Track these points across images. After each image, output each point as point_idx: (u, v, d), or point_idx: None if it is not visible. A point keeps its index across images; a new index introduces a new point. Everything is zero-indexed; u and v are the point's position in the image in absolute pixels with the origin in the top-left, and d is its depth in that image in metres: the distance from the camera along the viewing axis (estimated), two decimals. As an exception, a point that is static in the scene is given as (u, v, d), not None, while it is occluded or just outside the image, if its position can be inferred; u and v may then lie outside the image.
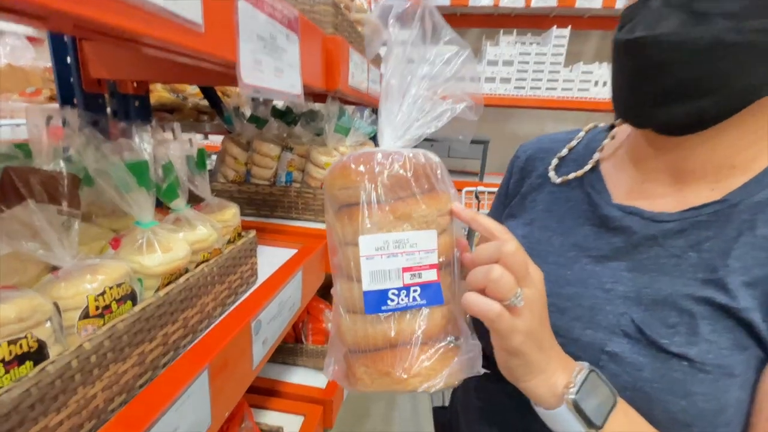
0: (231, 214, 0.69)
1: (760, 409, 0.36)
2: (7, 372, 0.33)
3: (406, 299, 0.34)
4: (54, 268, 0.43)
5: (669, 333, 0.38)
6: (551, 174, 0.53)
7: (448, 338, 0.35)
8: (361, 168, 0.35)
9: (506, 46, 3.48)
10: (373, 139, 1.50)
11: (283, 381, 1.28)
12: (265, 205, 1.18)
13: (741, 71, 0.34)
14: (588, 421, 0.34)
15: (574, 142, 0.54)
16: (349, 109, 1.46)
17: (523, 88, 3.50)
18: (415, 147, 0.39)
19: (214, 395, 0.52)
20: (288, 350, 1.36)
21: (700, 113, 0.36)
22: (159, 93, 1.36)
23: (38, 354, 0.35)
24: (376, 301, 0.33)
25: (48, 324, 0.36)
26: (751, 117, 0.37)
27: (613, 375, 0.39)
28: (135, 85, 1.06)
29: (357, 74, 1.10)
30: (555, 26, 3.36)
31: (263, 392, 1.23)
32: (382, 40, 0.37)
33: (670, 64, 0.35)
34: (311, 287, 0.96)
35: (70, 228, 0.42)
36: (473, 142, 3.69)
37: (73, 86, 0.91)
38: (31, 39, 1.77)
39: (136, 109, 1.08)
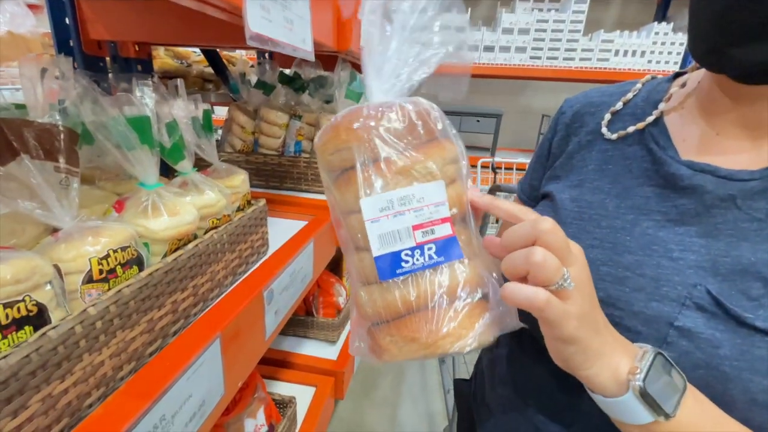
0: (240, 180, 0.66)
1: None
2: (4, 337, 0.31)
3: (421, 259, 0.30)
4: (54, 230, 0.40)
5: (752, 306, 0.34)
6: (604, 130, 0.47)
7: (475, 294, 0.32)
8: (353, 125, 0.31)
9: (522, 13, 3.31)
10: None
11: (294, 353, 1.28)
12: (274, 176, 1.15)
13: None
14: (658, 409, 0.31)
15: (630, 95, 0.47)
16: (360, 76, 1.40)
17: (539, 58, 3.35)
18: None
19: (226, 364, 0.50)
20: (299, 322, 1.35)
21: None
22: (162, 59, 1.31)
23: (38, 318, 0.33)
24: (390, 265, 0.30)
25: (48, 287, 0.34)
26: None
27: (684, 352, 0.35)
28: (137, 48, 1.01)
29: (369, 36, 1.04)
30: (574, -9, 3.18)
31: (275, 364, 1.24)
32: None
33: None
34: (322, 259, 0.94)
35: (69, 187, 0.39)
36: (485, 115, 3.58)
37: (72, 49, 0.87)
38: (30, 6, 1.71)
39: (139, 73, 1.03)
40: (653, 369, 0.32)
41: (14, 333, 0.31)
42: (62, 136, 0.38)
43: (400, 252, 0.30)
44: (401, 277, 0.30)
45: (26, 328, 0.32)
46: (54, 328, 0.33)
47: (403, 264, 0.30)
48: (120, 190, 0.54)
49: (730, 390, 0.34)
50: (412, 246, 0.30)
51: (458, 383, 0.66)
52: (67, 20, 0.87)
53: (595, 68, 3.37)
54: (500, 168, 1.55)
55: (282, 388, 1.15)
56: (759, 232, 0.35)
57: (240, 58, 1.39)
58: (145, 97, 0.46)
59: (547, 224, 0.29)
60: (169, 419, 0.40)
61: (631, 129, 0.44)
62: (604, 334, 0.33)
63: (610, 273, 0.41)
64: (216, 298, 0.57)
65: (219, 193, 0.57)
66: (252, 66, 1.49)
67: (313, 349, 1.31)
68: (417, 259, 0.30)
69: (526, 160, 1.67)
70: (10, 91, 1.05)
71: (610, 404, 0.33)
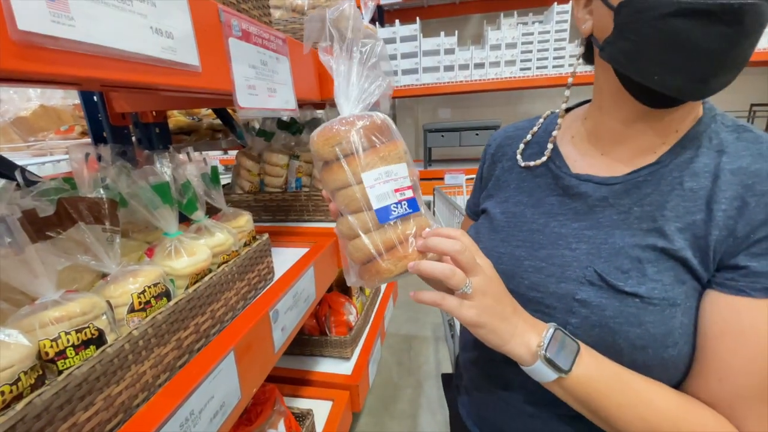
0: (245, 220, 0.79)
1: (703, 331, 0.43)
2: (77, 354, 0.43)
3: (401, 209, 0.44)
4: (104, 275, 0.53)
5: (623, 277, 0.45)
6: (518, 157, 0.61)
7: (427, 230, 0.46)
8: (343, 128, 0.44)
9: (508, 28, 3.46)
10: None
11: (311, 371, 1.38)
12: (280, 210, 1.29)
13: (752, 46, 0.38)
14: (559, 369, 0.42)
15: (535, 128, 0.62)
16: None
17: (529, 69, 3.48)
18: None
19: (241, 373, 0.62)
20: (314, 342, 1.46)
21: (723, 84, 0.39)
22: (176, 118, 1.49)
23: (99, 340, 0.45)
24: (385, 214, 0.44)
25: (104, 317, 0.47)
26: None
27: (584, 317, 0.46)
28: (154, 114, 1.18)
29: (351, 81, 1.18)
30: (555, 2, 3.32)
31: (295, 382, 1.34)
32: (321, 37, 0.47)
33: (753, 33, 0.36)
34: (325, 280, 1.05)
35: (113, 242, 0.52)
36: (483, 128, 3.69)
37: (101, 121, 1.04)
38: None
39: (157, 135, 1.20)
40: (552, 340, 0.44)
41: (83, 351, 0.43)
42: (106, 205, 0.52)
43: (389, 205, 0.44)
44: (392, 221, 0.44)
45: (91, 347, 0.44)
46: (110, 346, 0.45)
47: (392, 213, 0.44)
48: (149, 239, 0.68)
49: (617, 340, 0.45)
50: (395, 202, 0.44)
51: (444, 378, 0.76)
52: (95, 99, 1.04)
53: (586, 72, 3.45)
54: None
55: (301, 403, 1.25)
56: (625, 221, 0.47)
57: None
58: (163, 167, 0.60)
59: (460, 246, 0.42)
60: (197, 414, 0.51)
61: (539, 161, 0.57)
62: (513, 320, 0.45)
63: (532, 265, 0.53)
64: (230, 320, 0.69)
65: (227, 233, 0.70)
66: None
67: (328, 366, 1.41)
68: (398, 210, 0.44)
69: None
70: (52, 164, 1.22)
71: (529, 371, 0.45)
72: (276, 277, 0.87)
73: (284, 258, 0.99)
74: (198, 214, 0.67)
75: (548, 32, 3.40)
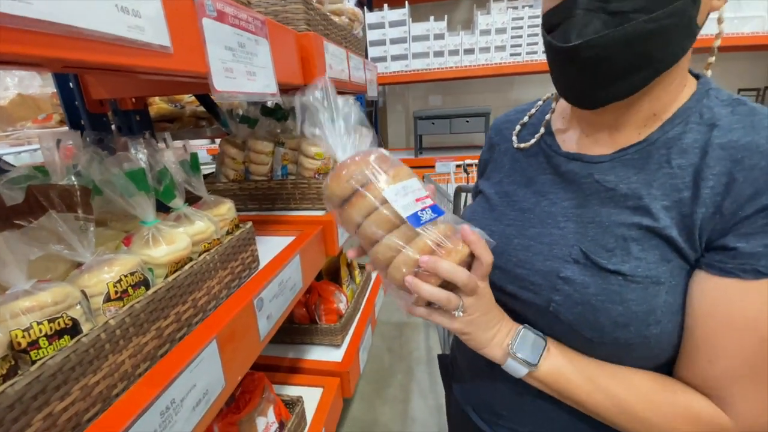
0: (226, 208, 0.77)
1: (692, 312, 0.43)
2: (50, 344, 0.42)
3: (427, 214, 0.47)
4: (78, 265, 0.52)
5: (607, 255, 0.45)
6: (514, 139, 0.62)
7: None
8: (352, 164, 0.48)
9: (498, 13, 3.42)
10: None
11: (302, 359, 1.39)
12: (266, 199, 1.27)
13: (661, 47, 0.41)
14: (528, 364, 0.47)
15: (533, 110, 0.63)
16: (336, 98, 1.52)
17: (519, 54, 3.45)
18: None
19: (225, 361, 0.62)
20: (304, 331, 1.46)
21: (634, 86, 0.43)
22: (158, 105, 1.45)
23: (73, 330, 0.45)
24: (415, 220, 0.46)
25: (78, 307, 0.46)
26: (667, 76, 0.45)
27: (567, 294, 0.47)
28: (134, 101, 1.15)
29: (335, 65, 1.16)
30: (545, -13, 3.28)
31: (285, 370, 1.35)
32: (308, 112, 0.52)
33: (606, 58, 0.41)
34: (312, 268, 1.05)
35: (86, 231, 0.51)
36: (473, 115, 3.68)
37: (78, 109, 1.01)
38: (38, 67, 1.88)
39: (138, 122, 1.17)
40: (520, 339, 0.48)
41: (57, 341, 0.43)
42: (78, 193, 0.51)
43: (416, 212, 0.46)
44: (423, 225, 0.46)
45: (65, 336, 0.43)
46: (86, 335, 0.44)
47: (421, 218, 0.46)
48: (127, 228, 0.66)
49: (598, 318, 0.45)
50: (420, 209, 0.47)
51: (440, 357, 0.77)
52: (71, 85, 1.01)
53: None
54: (471, 168, 1.65)
55: (291, 391, 1.25)
56: (611, 199, 0.48)
57: (227, 95, 1.53)
58: (139, 153, 0.58)
59: (466, 278, 0.44)
60: (178, 402, 0.51)
61: (531, 141, 0.58)
62: (494, 329, 0.49)
63: (520, 243, 0.54)
64: (213, 309, 0.68)
65: (208, 221, 0.69)
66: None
67: (319, 354, 1.42)
68: (426, 215, 0.47)
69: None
70: (29, 153, 1.19)
71: (504, 368, 0.49)
72: (261, 266, 0.86)
73: (270, 246, 0.98)
74: (176, 201, 0.66)
75: (538, 17, 3.36)
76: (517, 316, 0.52)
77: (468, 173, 1.62)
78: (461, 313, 0.46)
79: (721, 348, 0.41)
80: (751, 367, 0.40)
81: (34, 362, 0.41)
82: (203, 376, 0.57)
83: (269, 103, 1.36)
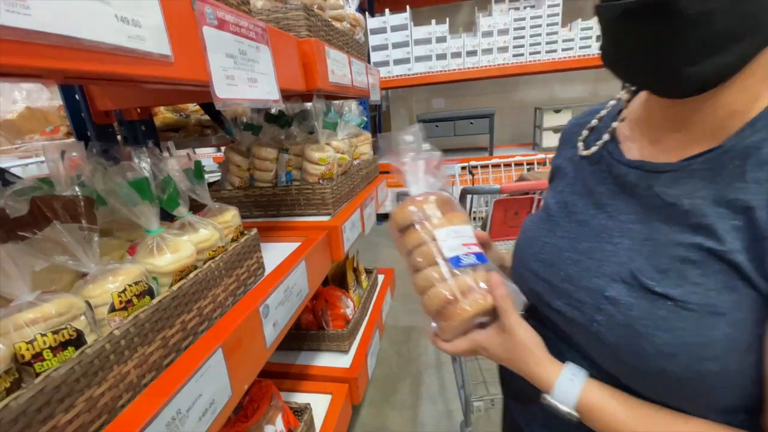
0: (231, 215, 0.77)
1: None
2: (54, 356, 0.42)
3: (469, 259, 0.52)
4: (83, 275, 0.52)
5: (658, 277, 0.41)
6: (579, 145, 0.57)
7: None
8: (419, 201, 0.57)
9: (500, 14, 3.42)
10: (365, 129, 1.56)
11: (310, 365, 1.38)
12: (271, 205, 1.27)
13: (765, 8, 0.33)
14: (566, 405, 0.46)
15: (603, 112, 0.56)
16: (338, 103, 1.53)
17: (522, 55, 3.44)
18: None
19: (231, 369, 0.61)
20: (312, 337, 1.46)
21: (734, 61, 0.35)
22: (162, 114, 1.46)
23: (77, 341, 0.44)
24: (456, 262, 0.51)
25: (83, 317, 0.45)
26: (757, 60, 0.36)
27: (610, 315, 0.43)
28: (139, 111, 1.16)
29: (337, 70, 1.16)
30: (547, -13, 3.27)
31: (292, 377, 1.34)
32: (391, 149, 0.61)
33: (707, 14, 0.32)
34: (318, 273, 1.04)
35: (91, 241, 0.51)
36: (477, 116, 3.67)
37: (85, 120, 1.02)
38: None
39: (143, 132, 1.18)
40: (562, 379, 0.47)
41: (61, 352, 0.42)
42: (82, 203, 0.51)
43: (459, 255, 0.52)
44: (463, 268, 0.51)
45: (70, 348, 0.43)
46: (90, 346, 0.44)
47: (462, 261, 0.51)
48: (132, 237, 0.66)
49: (642, 343, 0.41)
50: (464, 253, 0.52)
51: (501, 367, 0.72)
52: (76, 96, 1.02)
53: (579, 56, 3.43)
54: (476, 170, 1.64)
55: (299, 398, 1.24)
56: (671, 215, 0.42)
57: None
58: (142, 162, 0.58)
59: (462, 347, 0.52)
60: (184, 413, 0.50)
61: (593, 149, 0.54)
62: (524, 369, 0.49)
63: (571, 257, 0.50)
64: (219, 317, 0.68)
65: (212, 229, 0.69)
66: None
67: (326, 360, 1.41)
68: (467, 260, 0.52)
69: (522, 156, 1.75)
70: (36, 165, 1.21)
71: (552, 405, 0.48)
72: (267, 273, 0.86)
73: (276, 253, 0.98)
74: (180, 210, 0.65)
75: (540, 17, 3.36)
76: (563, 334, 0.50)
77: (473, 175, 1.61)
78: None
79: None
80: None
81: (38, 375, 0.41)
82: (209, 386, 0.56)
83: (273, 110, 1.36)
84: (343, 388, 1.29)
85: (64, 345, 0.43)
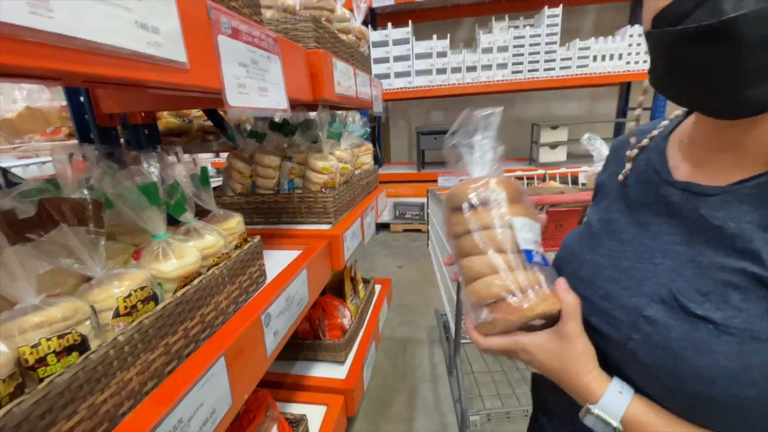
0: (235, 222, 0.77)
1: None
2: (58, 361, 0.41)
3: (539, 257, 0.50)
4: (88, 279, 0.52)
5: (700, 300, 0.41)
6: (627, 165, 0.56)
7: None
8: (492, 180, 0.52)
9: (499, 32, 3.49)
10: (366, 140, 1.57)
11: (305, 375, 1.36)
12: (272, 212, 1.27)
13: None
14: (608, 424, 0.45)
15: (655, 132, 0.55)
16: (342, 113, 1.54)
17: (521, 72, 3.51)
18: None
19: (232, 378, 0.60)
20: (308, 346, 1.44)
21: None
22: (166, 119, 1.47)
23: (82, 346, 0.44)
24: (529, 256, 0.49)
25: (87, 322, 0.45)
26: None
27: (647, 335, 0.44)
28: (143, 115, 1.16)
29: (343, 81, 1.17)
30: (546, 6, 3.35)
31: (288, 387, 1.32)
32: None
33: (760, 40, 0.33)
34: (318, 282, 1.04)
35: (97, 244, 0.50)
36: (476, 131, 3.71)
37: (88, 123, 1.02)
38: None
39: (147, 136, 1.18)
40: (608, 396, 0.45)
41: (66, 357, 0.42)
42: (90, 206, 0.50)
43: (532, 250, 0.49)
44: (531, 264, 0.49)
45: (74, 353, 0.43)
46: (94, 352, 0.43)
47: (534, 257, 0.49)
48: (137, 241, 0.66)
49: (679, 365, 0.41)
50: (535, 250, 0.50)
51: (535, 382, 0.71)
52: (81, 99, 1.02)
53: (576, 75, 3.50)
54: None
55: (294, 409, 1.22)
56: (716, 238, 0.42)
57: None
58: (151, 167, 0.58)
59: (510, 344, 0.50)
60: (186, 422, 0.50)
61: (641, 167, 0.53)
62: (572, 379, 0.48)
63: (611, 275, 0.50)
64: (221, 324, 0.67)
65: (217, 235, 0.68)
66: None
67: (322, 370, 1.39)
68: (537, 258, 0.50)
69: (522, 171, 1.77)
70: (37, 165, 1.20)
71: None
72: (268, 280, 0.85)
73: (277, 260, 0.97)
74: (186, 215, 0.65)
75: (539, 35, 3.43)
76: (598, 351, 0.49)
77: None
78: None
79: None
80: None
81: (41, 380, 0.40)
82: (211, 395, 0.55)
83: (277, 118, 1.37)
84: (339, 399, 1.27)
85: (68, 350, 0.42)
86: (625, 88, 3.85)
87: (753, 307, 0.38)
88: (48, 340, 0.40)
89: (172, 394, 0.49)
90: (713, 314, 0.39)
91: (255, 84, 0.69)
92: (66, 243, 0.48)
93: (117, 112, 1.04)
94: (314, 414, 1.19)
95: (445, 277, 1.60)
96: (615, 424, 0.43)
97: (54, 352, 0.41)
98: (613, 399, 0.45)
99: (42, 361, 0.40)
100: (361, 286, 1.84)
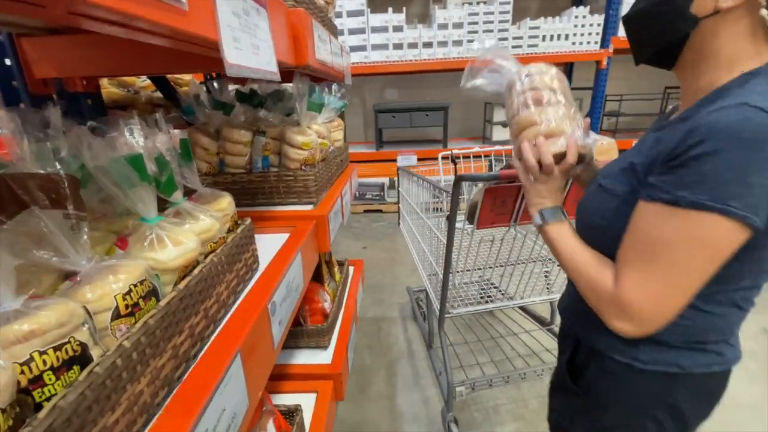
0: (226, 203, 0.68)
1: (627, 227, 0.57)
2: (58, 378, 0.32)
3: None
4: (67, 275, 0.41)
5: (605, 179, 0.64)
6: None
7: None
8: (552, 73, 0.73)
9: (454, 8, 3.46)
10: (341, 115, 1.48)
11: (290, 364, 1.29)
12: (246, 193, 1.16)
13: (654, 26, 0.58)
14: (543, 218, 0.68)
15: None
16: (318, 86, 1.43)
17: (474, 49, 3.53)
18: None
19: (248, 376, 0.53)
20: (290, 334, 1.37)
21: (648, 52, 0.62)
22: (107, 90, 1.26)
23: (82, 357, 0.35)
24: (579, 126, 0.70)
25: (85, 327, 0.36)
26: (696, 53, 0.55)
27: (582, 201, 0.68)
28: (84, 82, 0.98)
29: (321, 47, 1.07)
30: (499, -17, 3.37)
31: (274, 378, 1.25)
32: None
33: (627, 28, 0.64)
34: (309, 267, 0.97)
35: (79, 231, 0.40)
36: (433, 108, 3.71)
37: (18, 90, 0.83)
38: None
39: (89, 107, 1.00)
40: (551, 209, 0.69)
41: (65, 373, 0.33)
42: (66, 184, 0.40)
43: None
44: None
45: (74, 367, 0.34)
46: (98, 364, 0.35)
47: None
48: (114, 228, 0.55)
49: (584, 203, 0.67)
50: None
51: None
52: (8, 61, 0.83)
53: (527, 54, 3.59)
54: (459, 158, 1.65)
55: (285, 399, 1.16)
56: (640, 148, 0.61)
57: (191, 80, 1.36)
58: (135, 136, 0.48)
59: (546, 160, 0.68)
60: (211, 432, 0.43)
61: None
62: (545, 200, 0.69)
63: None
64: (223, 318, 0.59)
65: (212, 217, 0.59)
66: (202, 84, 1.47)
67: (306, 357, 1.33)
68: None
69: (480, 148, 1.79)
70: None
71: (533, 218, 0.70)
72: (261, 267, 0.77)
73: (262, 245, 0.88)
74: (177, 195, 0.55)
75: (492, 13, 3.45)
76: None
77: (456, 164, 1.61)
78: (532, 179, 0.69)
79: (623, 241, 0.56)
80: (633, 257, 0.54)
81: (37, 405, 0.31)
82: (231, 398, 0.48)
83: (243, 88, 1.24)
84: (328, 385, 1.23)
85: (68, 364, 0.33)
86: (568, 68, 4.04)
87: (623, 179, 0.59)
88: (42, 353, 0.31)
89: (192, 403, 0.42)
90: (603, 181, 0.64)
91: (248, 40, 0.59)
92: (38, 230, 0.38)
93: (54, 76, 0.86)
94: (305, 402, 1.14)
95: (423, 253, 1.59)
96: (548, 220, 0.67)
97: (51, 368, 0.32)
98: (553, 211, 0.67)
99: (37, 380, 0.31)
100: (336, 269, 1.78)
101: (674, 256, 0.48)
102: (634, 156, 0.59)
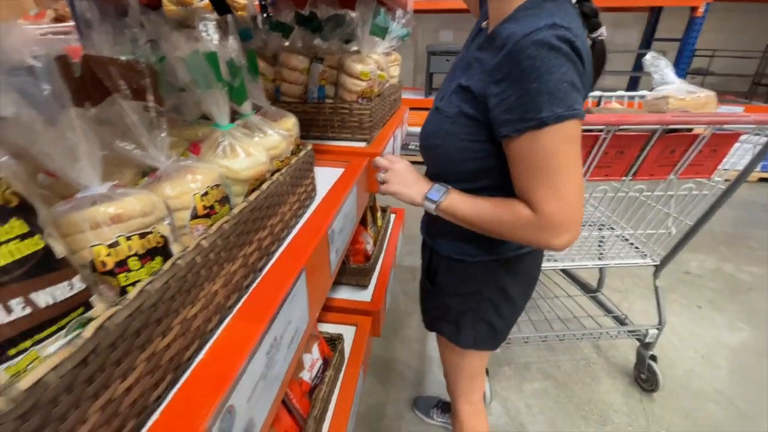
0: (292, 123, 0.65)
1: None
2: (142, 266, 0.32)
3: None
4: (145, 173, 0.41)
5: (439, 100, 0.69)
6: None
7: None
8: None
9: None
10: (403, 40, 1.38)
11: (332, 297, 1.34)
12: (300, 124, 1.13)
13: None
14: (434, 201, 0.66)
15: None
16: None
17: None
18: None
19: (310, 294, 0.53)
20: (331, 270, 1.40)
21: None
22: (167, 7, 1.23)
23: (164, 250, 0.35)
24: None
25: (166, 222, 0.35)
26: None
27: (424, 127, 0.73)
28: (147, -7, 0.95)
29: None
30: None
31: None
32: None
33: None
34: (361, 205, 0.95)
35: (159, 127, 0.39)
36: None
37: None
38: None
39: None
40: (432, 189, 0.68)
41: (150, 262, 0.33)
42: (146, 73, 0.38)
43: None
44: None
45: (157, 258, 0.34)
46: (181, 257, 0.34)
47: None
48: (185, 136, 0.54)
49: (431, 138, 0.68)
50: None
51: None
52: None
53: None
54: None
55: (328, 328, 1.21)
56: (466, 69, 0.64)
57: (249, 2, 1.30)
58: (209, 33, 0.45)
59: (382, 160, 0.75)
60: (279, 341, 0.43)
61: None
62: (414, 188, 0.70)
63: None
64: (286, 238, 0.59)
65: (279, 135, 0.57)
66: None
67: (348, 293, 1.37)
68: None
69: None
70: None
71: (425, 208, 0.69)
72: (318, 196, 0.76)
73: (318, 177, 0.87)
74: (246, 105, 0.53)
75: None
76: None
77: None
78: (381, 178, 0.73)
79: (515, 174, 0.59)
80: (536, 181, 0.56)
81: (123, 288, 0.31)
82: (295, 311, 0.48)
83: (304, 11, 1.16)
84: (367, 320, 1.26)
85: (152, 254, 0.33)
86: (655, 14, 3.54)
87: (455, 101, 0.63)
88: (128, 239, 0.31)
89: (263, 310, 0.42)
90: (439, 104, 0.68)
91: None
92: (120, 121, 0.36)
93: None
94: (346, 333, 1.18)
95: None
96: (437, 200, 0.66)
97: (137, 254, 0.32)
98: (435, 190, 0.67)
99: (123, 265, 0.31)
100: (379, 214, 1.77)
101: (561, 161, 0.54)
102: (462, 79, 0.63)
